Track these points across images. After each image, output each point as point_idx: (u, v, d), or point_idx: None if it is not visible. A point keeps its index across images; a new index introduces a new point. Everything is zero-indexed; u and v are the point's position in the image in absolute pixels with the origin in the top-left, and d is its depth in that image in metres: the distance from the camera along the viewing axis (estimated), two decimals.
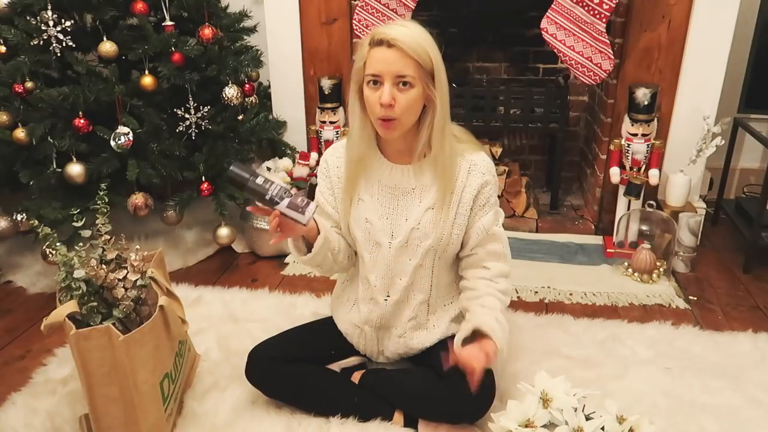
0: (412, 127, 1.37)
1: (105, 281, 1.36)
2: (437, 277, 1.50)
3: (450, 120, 1.39)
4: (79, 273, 1.33)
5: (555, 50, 2.30)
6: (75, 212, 1.47)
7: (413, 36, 1.28)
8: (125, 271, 1.41)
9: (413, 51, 1.27)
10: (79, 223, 1.42)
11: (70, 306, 1.32)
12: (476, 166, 1.42)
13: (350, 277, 1.62)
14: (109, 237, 1.46)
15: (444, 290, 1.54)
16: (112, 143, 2.01)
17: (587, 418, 1.20)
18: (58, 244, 1.38)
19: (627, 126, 2.28)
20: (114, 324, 1.33)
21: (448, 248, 1.45)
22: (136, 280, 1.41)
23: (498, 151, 2.70)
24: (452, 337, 1.56)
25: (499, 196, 2.60)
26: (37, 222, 1.51)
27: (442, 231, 1.42)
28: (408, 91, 1.29)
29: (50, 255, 1.95)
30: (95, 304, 1.38)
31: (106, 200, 1.46)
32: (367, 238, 1.48)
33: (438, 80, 1.31)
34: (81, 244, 1.43)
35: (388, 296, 1.49)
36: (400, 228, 1.45)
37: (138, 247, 1.51)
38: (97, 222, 1.45)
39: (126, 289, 1.39)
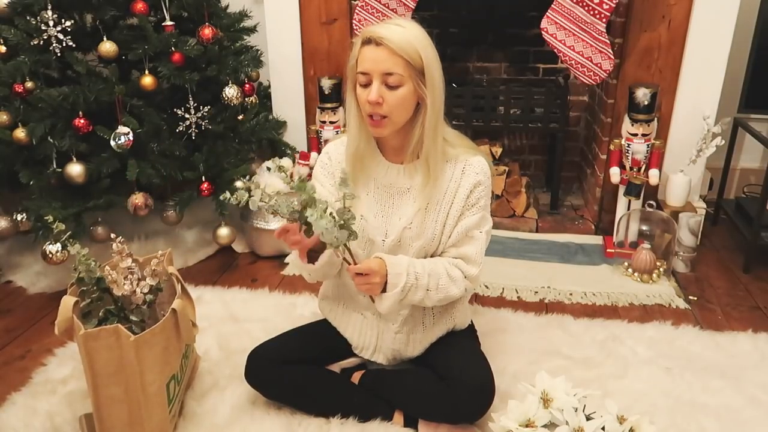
0: (405, 126, 1.37)
1: (120, 285, 1.37)
2: None
3: (444, 122, 1.38)
4: (94, 272, 1.34)
5: (555, 50, 2.30)
6: (63, 229, 1.46)
7: (403, 34, 1.28)
8: (137, 276, 1.42)
9: (401, 49, 1.27)
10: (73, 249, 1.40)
11: (71, 298, 1.32)
12: (471, 167, 1.42)
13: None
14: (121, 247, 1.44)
15: None
16: (112, 143, 2.01)
17: (588, 418, 1.20)
18: (72, 241, 1.39)
19: (627, 126, 2.28)
20: (130, 327, 1.33)
21: (439, 249, 1.45)
22: (154, 284, 1.42)
23: (498, 151, 2.70)
24: (450, 333, 1.57)
25: (498, 196, 2.67)
26: (51, 218, 1.48)
27: (434, 232, 1.42)
28: (396, 89, 1.30)
29: (57, 254, 1.97)
30: (111, 308, 1.38)
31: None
32: (361, 235, 1.47)
33: (429, 79, 1.31)
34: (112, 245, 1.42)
35: None
36: (394, 227, 1.44)
37: (160, 251, 1.51)
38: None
39: (144, 294, 1.40)
